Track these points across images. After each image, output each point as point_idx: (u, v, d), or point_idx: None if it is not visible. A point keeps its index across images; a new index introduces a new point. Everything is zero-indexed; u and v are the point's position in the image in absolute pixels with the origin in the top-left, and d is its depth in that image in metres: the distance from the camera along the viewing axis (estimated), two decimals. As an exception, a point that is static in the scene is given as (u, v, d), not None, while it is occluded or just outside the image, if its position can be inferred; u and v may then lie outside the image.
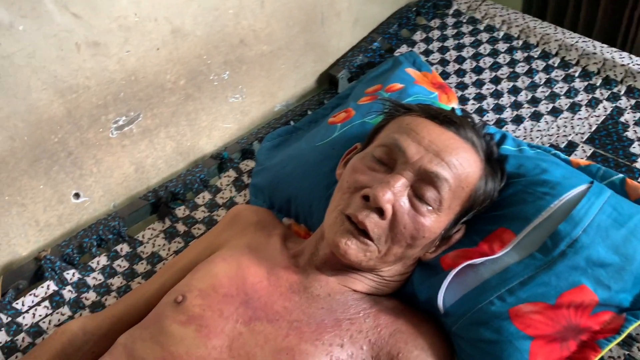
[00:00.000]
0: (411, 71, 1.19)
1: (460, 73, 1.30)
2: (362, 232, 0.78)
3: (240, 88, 1.24)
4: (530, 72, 1.24)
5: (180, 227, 1.11)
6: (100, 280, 1.03)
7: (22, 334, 0.95)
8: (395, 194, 0.77)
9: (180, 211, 1.13)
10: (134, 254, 1.07)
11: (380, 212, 0.76)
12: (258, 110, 1.31)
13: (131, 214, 1.11)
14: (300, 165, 1.05)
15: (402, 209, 0.77)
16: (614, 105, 1.12)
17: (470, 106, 1.22)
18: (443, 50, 1.35)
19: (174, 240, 1.09)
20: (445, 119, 0.84)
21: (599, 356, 0.76)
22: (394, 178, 0.77)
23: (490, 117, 1.19)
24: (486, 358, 0.76)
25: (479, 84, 1.26)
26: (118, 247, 1.07)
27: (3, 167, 0.96)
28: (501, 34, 1.33)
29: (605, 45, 1.19)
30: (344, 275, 0.83)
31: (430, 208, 0.78)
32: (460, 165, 0.79)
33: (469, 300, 0.80)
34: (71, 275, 1.02)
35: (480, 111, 1.21)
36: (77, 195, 1.09)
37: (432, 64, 1.34)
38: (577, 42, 1.22)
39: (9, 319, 0.96)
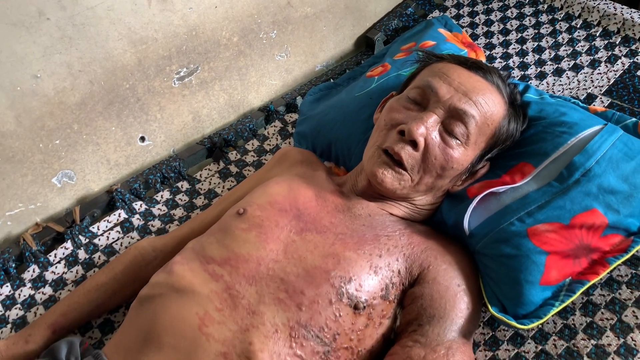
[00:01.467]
0: (443, 31, 1.27)
1: (489, 35, 1.36)
2: (397, 163, 0.87)
3: (285, 47, 1.33)
4: (554, 33, 1.30)
5: (233, 169, 1.21)
6: (164, 211, 1.14)
7: (98, 253, 1.07)
8: (427, 128, 0.85)
9: (233, 155, 1.23)
10: (193, 190, 1.18)
11: (414, 145, 0.85)
12: (300, 69, 1.40)
13: (189, 157, 1.22)
14: (340, 113, 1.14)
15: (433, 142, 0.86)
16: (631, 60, 1.18)
17: (497, 64, 1.30)
18: (473, 14, 1.42)
19: (227, 180, 1.19)
20: (473, 64, 0.92)
21: (608, 271, 0.83)
22: (426, 114, 0.86)
23: (516, 73, 1.26)
24: (507, 271, 0.84)
25: (505, 44, 1.33)
26: (179, 184, 1.19)
27: (82, 108, 1.07)
28: (528, -1, 1.39)
29: (625, 7, 1.25)
30: (382, 201, 0.92)
31: (458, 142, 0.86)
32: (486, 104, 0.87)
33: (491, 222, 0.88)
34: (139, 206, 1.14)
35: (507, 68, 1.28)
36: (142, 139, 1.21)
37: (462, 27, 1.41)
38: (598, 4, 1.27)
39: (87, 240, 1.08)
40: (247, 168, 1.21)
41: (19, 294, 1.02)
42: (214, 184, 1.19)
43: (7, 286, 1.03)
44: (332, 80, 1.34)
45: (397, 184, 0.87)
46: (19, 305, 1.01)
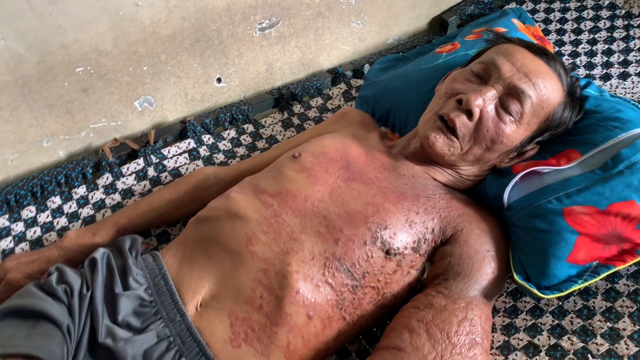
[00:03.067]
0: (516, 21, 1.28)
1: (561, 32, 1.36)
2: (450, 130, 0.91)
3: (362, 15, 1.38)
4: (627, 38, 1.29)
5: (295, 120, 1.27)
6: (228, 147, 1.22)
7: (165, 173, 1.16)
8: (485, 100, 0.88)
9: (297, 108, 1.30)
10: (257, 133, 1.25)
11: (469, 114, 0.88)
12: (373, 39, 1.44)
13: (258, 103, 1.30)
14: (404, 82, 1.17)
15: (488, 114, 0.89)
16: (700, 74, 1.16)
17: (564, 60, 1.30)
18: (548, 10, 1.42)
19: (288, 129, 1.26)
20: (539, 49, 0.94)
21: (635, 261, 0.85)
22: (486, 88, 0.89)
23: (581, 72, 1.26)
24: (537, 243, 0.87)
25: (576, 43, 1.33)
26: (245, 126, 1.26)
27: (172, 41, 1.15)
28: (606, 2, 1.38)
29: None
30: (428, 166, 0.96)
31: (512, 118, 0.89)
32: (545, 87, 0.89)
33: (530, 198, 0.91)
34: (207, 139, 1.22)
35: (574, 68, 1.28)
36: (219, 80, 1.29)
37: (535, 21, 1.41)
38: (677, 16, 1.26)
39: (157, 160, 1.17)
40: (308, 122, 1.27)
41: (92, 196, 1.12)
42: (276, 131, 1.25)
43: (82, 187, 1.14)
44: (401, 54, 1.38)
45: (447, 150, 0.91)
46: (90, 206, 1.11)
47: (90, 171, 1.16)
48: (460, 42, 1.22)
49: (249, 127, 1.26)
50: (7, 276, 0.91)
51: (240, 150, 1.21)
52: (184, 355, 0.76)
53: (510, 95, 0.89)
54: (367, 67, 1.37)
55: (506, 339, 0.87)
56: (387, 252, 0.84)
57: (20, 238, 1.07)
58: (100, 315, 0.78)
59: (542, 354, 0.84)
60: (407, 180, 0.93)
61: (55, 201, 1.12)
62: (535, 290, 0.85)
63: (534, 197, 0.90)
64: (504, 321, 0.90)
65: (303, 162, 0.93)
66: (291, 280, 0.80)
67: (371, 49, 1.45)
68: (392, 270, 0.85)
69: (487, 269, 0.86)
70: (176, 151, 1.19)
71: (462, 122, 0.89)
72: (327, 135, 1.02)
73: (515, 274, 0.87)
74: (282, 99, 1.30)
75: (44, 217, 1.09)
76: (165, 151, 1.19)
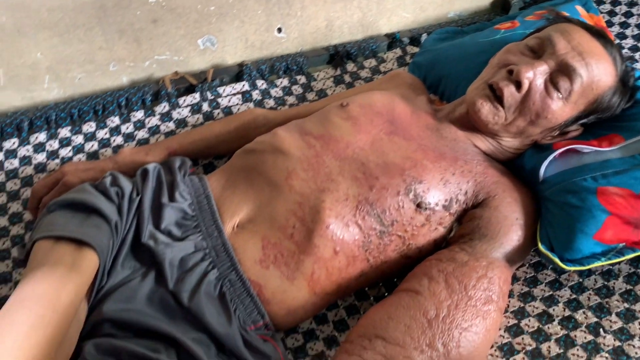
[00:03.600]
0: (580, 8, 1.26)
1: (624, 25, 1.34)
2: (497, 99, 0.92)
3: (427, -15, 1.39)
4: (692, 39, 1.26)
5: (347, 78, 1.30)
6: (279, 95, 1.26)
7: (218, 110, 1.21)
8: (535, 74, 0.89)
9: (350, 66, 1.32)
10: (308, 85, 1.29)
11: (518, 85, 0.89)
12: (434, 10, 1.44)
13: (313, 57, 1.33)
14: (459, 52, 1.18)
15: (536, 88, 0.90)
16: None
17: (624, 53, 1.28)
18: (615, 3, 1.39)
19: (339, 85, 1.29)
20: (597, 32, 0.94)
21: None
22: (538, 62, 0.90)
23: (639, 66, 1.24)
24: (566, 217, 0.88)
25: (637, 37, 1.31)
26: (297, 77, 1.30)
27: (240, -15, 1.20)
28: (677, 1, 1.34)
29: None
30: (471, 132, 0.98)
31: (560, 95, 0.90)
32: (597, 69, 0.89)
33: (566, 174, 0.91)
34: (261, 84, 1.26)
35: (631, 59, 1.26)
36: (279, 30, 1.32)
37: (600, 12, 1.39)
38: None
39: (212, 97, 1.23)
40: (359, 81, 1.30)
41: (148, 121, 1.19)
42: (327, 86, 1.29)
43: (140, 112, 1.20)
44: (460, 28, 1.38)
45: (491, 118, 0.92)
46: (145, 130, 1.17)
47: (150, 99, 1.22)
48: (520, 21, 1.22)
49: (302, 79, 1.30)
50: (64, 178, 0.98)
51: (290, 99, 1.25)
52: (216, 267, 0.82)
53: (562, 72, 0.89)
54: (424, 37, 1.38)
55: (522, 305, 0.89)
56: (418, 205, 0.87)
57: (78, 149, 1.14)
58: (146, 219, 0.84)
59: (555, 322, 0.86)
60: (448, 142, 0.95)
61: (114, 121, 1.19)
62: (557, 260, 0.86)
63: (570, 174, 0.91)
64: (522, 289, 0.92)
65: (350, 111, 0.96)
66: (323, 216, 0.84)
67: (431, 20, 1.46)
68: (421, 223, 0.88)
69: (513, 236, 0.88)
70: (230, 91, 1.24)
71: (510, 92, 0.90)
72: (377, 91, 1.05)
73: (540, 244, 0.89)
74: (337, 56, 1.33)
75: (102, 134, 1.16)
76: (220, 90, 1.24)
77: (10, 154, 1.13)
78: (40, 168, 1.11)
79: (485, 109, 0.92)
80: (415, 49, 1.36)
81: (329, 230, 0.84)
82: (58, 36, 1.16)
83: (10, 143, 1.15)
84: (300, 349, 0.87)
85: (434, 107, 1.05)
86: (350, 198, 0.86)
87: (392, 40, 1.37)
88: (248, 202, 0.88)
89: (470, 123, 0.97)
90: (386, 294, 0.93)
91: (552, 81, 0.89)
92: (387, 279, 0.94)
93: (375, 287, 0.95)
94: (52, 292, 0.64)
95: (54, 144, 1.15)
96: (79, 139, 1.16)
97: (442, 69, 1.18)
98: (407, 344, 0.74)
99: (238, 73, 1.28)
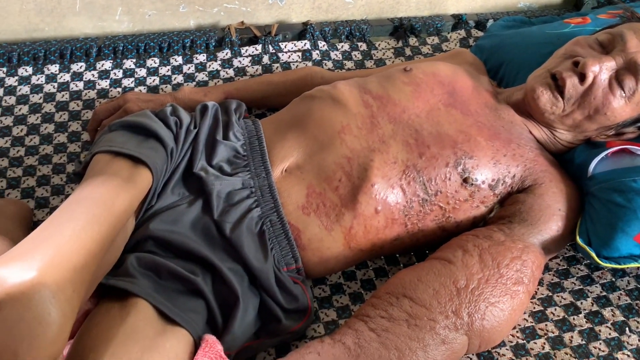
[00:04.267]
0: (656, 14, 1.23)
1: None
2: (558, 89, 0.90)
3: (502, -28, 1.37)
4: None
5: (407, 51, 1.30)
6: (339, 58, 1.27)
7: (277, 64, 1.23)
8: (601, 68, 0.87)
9: (412, 40, 1.32)
10: (368, 53, 1.29)
11: (582, 78, 0.88)
12: (504, -2, 1.43)
13: (377, 26, 1.33)
14: (525, 40, 1.17)
15: (599, 83, 0.88)
16: None
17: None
18: (694, 15, 1.35)
19: (399, 57, 1.29)
20: (674, 36, 0.92)
21: None
22: (606, 57, 0.88)
23: None
24: (609, 215, 0.86)
25: None
26: (359, 44, 1.30)
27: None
28: None
29: None
30: (527, 118, 0.96)
31: (623, 94, 0.88)
32: None
33: (615, 173, 0.90)
34: (322, 45, 1.27)
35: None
36: (347, -5, 1.33)
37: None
38: None
39: (273, 50, 1.25)
40: (419, 55, 1.29)
41: (209, 65, 1.21)
42: (387, 56, 1.29)
43: (203, 55, 1.23)
44: (529, 18, 1.36)
45: (549, 107, 0.91)
46: (206, 73, 1.20)
47: (213, 44, 1.25)
48: (591, 17, 1.19)
49: (362, 46, 1.30)
50: (126, 105, 1.01)
51: (349, 64, 1.26)
52: (260, 206, 0.84)
53: (629, 70, 0.87)
54: (490, 23, 1.37)
55: (550, 294, 0.90)
56: (465, 180, 0.87)
57: (140, 81, 1.18)
58: (200, 152, 0.87)
59: (581, 315, 0.86)
60: (504, 124, 0.95)
61: (177, 60, 1.22)
62: (594, 255, 0.86)
63: (620, 173, 0.90)
64: (552, 279, 0.92)
65: (413, 76, 0.96)
66: (370, 174, 0.85)
67: (500, 7, 1.44)
68: (464, 198, 0.89)
69: (552, 225, 0.88)
70: (292, 48, 1.25)
71: (572, 84, 0.89)
72: (441, 62, 1.05)
73: (578, 237, 0.88)
74: (401, 28, 1.33)
75: (164, 70, 1.20)
76: (282, 45, 1.26)
77: (77, 76, 1.18)
78: (103, 94, 1.16)
79: (545, 97, 0.91)
80: (480, 33, 1.34)
81: (374, 189, 0.85)
82: (136, -30, 1.19)
83: (78, 66, 1.19)
84: (326, 300, 0.90)
85: (495, 88, 1.04)
86: (398, 162, 0.87)
87: (458, 21, 1.36)
88: (299, 148, 0.89)
89: (527, 110, 0.96)
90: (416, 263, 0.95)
91: (617, 78, 0.88)
92: (419, 249, 0.95)
93: (407, 255, 0.96)
94: (109, 197, 0.67)
95: (118, 73, 1.19)
96: (142, 72, 1.19)
97: (504, 55, 1.17)
98: (433, 307, 0.76)
99: (301, 31, 1.29)
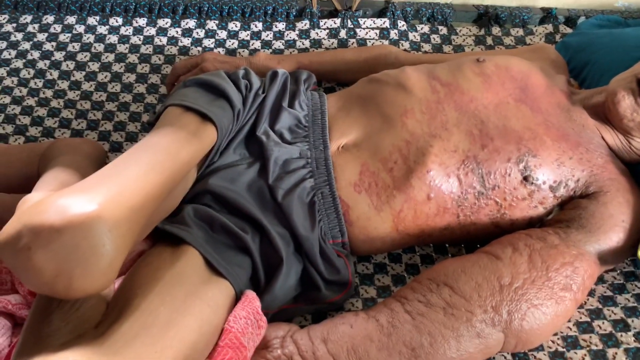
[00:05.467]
0: None
1: None
2: (642, 96, 0.86)
3: (602, -33, 1.29)
4: None
5: (489, 40, 1.26)
6: (417, 39, 1.25)
7: (354, 40, 1.23)
8: (696, 79, 0.82)
9: (495, 30, 1.28)
10: (447, 38, 1.26)
11: (670, 88, 0.83)
12: (602, -5, 1.35)
13: (461, 12, 1.30)
14: (615, 41, 1.10)
15: (691, 95, 0.82)
16: None
17: None
18: None
19: (478, 46, 1.25)
20: None
21: None
22: None
23: None
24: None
25: None
26: (440, 27, 1.28)
27: None
28: None
29: None
30: (602, 123, 0.92)
31: None
32: None
33: (694, 192, 0.85)
34: (401, 24, 1.26)
35: None
36: (434, -23, 1.30)
37: None
38: None
39: (352, 25, 1.24)
40: (500, 46, 1.25)
41: (287, 34, 1.23)
42: (466, 43, 1.26)
43: (282, 24, 1.25)
44: (624, 19, 1.28)
45: (629, 113, 0.86)
46: (283, 41, 1.22)
47: (294, 13, 1.27)
48: (696, 24, 1.11)
49: (443, 30, 1.27)
50: (203, 64, 1.05)
51: (426, 47, 1.24)
52: (314, 177, 0.86)
53: None
54: (581, 20, 1.30)
55: (600, 307, 0.86)
56: (525, 178, 0.85)
57: (220, 43, 1.21)
58: (265, 116, 0.89)
59: (630, 333, 0.82)
60: (575, 126, 0.91)
61: (258, 26, 1.25)
62: (653, 273, 0.82)
63: (699, 193, 0.84)
64: (605, 292, 0.88)
65: (484, 67, 0.94)
66: (427, 160, 0.84)
67: (595, 4, 1.36)
68: (522, 197, 0.86)
69: (613, 236, 0.84)
70: (370, 24, 1.25)
71: (658, 93, 0.84)
72: (516, 56, 1.01)
73: (639, 252, 0.84)
74: (486, 16, 1.29)
75: (243, 35, 1.23)
76: (361, 21, 1.25)
77: (162, 31, 1.23)
78: (184, 51, 1.20)
79: (626, 102, 0.86)
80: (568, 30, 1.28)
81: (429, 175, 0.84)
82: None
83: (164, 22, 1.24)
84: (368, 277, 0.91)
85: (571, 89, 1.00)
86: (459, 151, 0.85)
87: (547, 14, 1.30)
88: (359, 127, 0.90)
89: (604, 113, 0.91)
90: (464, 255, 0.94)
91: None
92: (470, 242, 0.93)
93: (457, 246, 0.95)
94: (174, 147, 0.71)
95: (200, 33, 1.23)
96: (222, 34, 1.23)
97: (591, 55, 1.11)
98: (473, 299, 0.75)
99: (382, 9, 1.28)
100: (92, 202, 0.56)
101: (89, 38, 1.21)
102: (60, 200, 0.56)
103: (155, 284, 0.67)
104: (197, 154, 0.76)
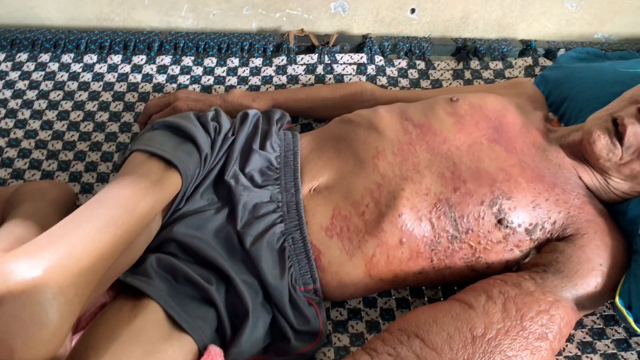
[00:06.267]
0: None
1: None
2: (617, 135, 0.84)
3: (579, 1, 1.29)
4: None
5: (467, 74, 1.25)
6: (394, 75, 1.24)
7: (331, 76, 1.22)
8: (671, 119, 0.81)
9: (474, 63, 1.27)
10: (425, 72, 1.25)
11: (646, 127, 0.82)
12: (581, 27, 1.34)
13: (439, 46, 1.29)
14: (593, 76, 1.10)
15: (666, 135, 0.81)
16: None
17: None
18: None
19: (457, 80, 1.24)
20: None
21: None
22: (678, 108, 0.81)
23: None
24: (657, 279, 0.81)
25: None
26: (417, 62, 1.27)
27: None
28: None
29: None
30: (579, 162, 0.91)
31: (693, 149, 0.81)
32: None
33: (671, 235, 0.84)
34: (379, 60, 1.25)
35: None
36: (412, 11, 1.30)
37: None
38: None
39: (329, 61, 1.24)
40: (479, 80, 1.24)
41: (264, 70, 1.22)
42: (444, 77, 1.25)
43: (259, 59, 1.24)
44: (603, 52, 1.28)
45: (605, 153, 0.85)
46: (259, 77, 1.21)
47: (271, 49, 1.26)
48: (675, 59, 1.11)
49: (421, 64, 1.27)
50: (175, 102, 1.04)
51: (404, 82, 1.23)
52: (284, 222, 0.84)
53: (699, 124, 0.80)
54: (561, 52, 1.29)
55: (579, 353, 0.84)
56: (500, 222, 0.83)
57: (195, 79, 1.20)
58: (234, 159, 0.88)
59: (609, 382, 0.80)
60: (551, 166, 0.89)
61: (234, 62, 1.24)
62: (631, 320, 0.80)
63: (675, 236, 0.83)
64: (584, 337, 0.86)
65: (457, 107, 0.93)
66: (398, 203, 0.83)
67: (574, 36, 1.36)
68: (497, 240, 0.84)
69: (590, 281, 0.82)
70: (347, 60, 1.24)
71: (633, 132, 0.82)
72: (491, 94, 1.00)
73: (617, 298, 0.82)
74: (464, 50, 1.28)
75: (220, 71, 1.22)
76: (338, 56, 1.24)
77: (136, 68, 1.22)
78: (158, 88, 1.19)
79: (602, 143, 0.85)
80: (548, 62, 1.27)
81: (401, 219, 0.82)
82: (207, -29, 1.22)
83: (139, 59, 1.23)
84: (342, 324, 0.88)
85: (547, 127, 0.98)
86: (430, 194, 0.84)
87: (527, 47, 1.30)
88: (331, 169, 0.89)
89: (581, 153, 0.90)
90: (442, 299, 0.91)
91: (685, 132, 0.81)
92: (447, 285, 0.91)
93: (433, 289, 0.93)
94: (132, 200, 0.69)
95: (175, 69, 1.22)
96: (198, 71, 1.22)
97: (569, 90, 1.11)
98: (444, 352, 0.73)
99: (360, 44, 1.28)
100: (36, 267, 0.54)
101: (63, 76, 1.20)
102: (3, 266, 0.53)
103: (111, 344, 0.65)
104: (159, 204, 0.74)
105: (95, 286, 0.60)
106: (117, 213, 0.66)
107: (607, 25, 1.35)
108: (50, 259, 0.55)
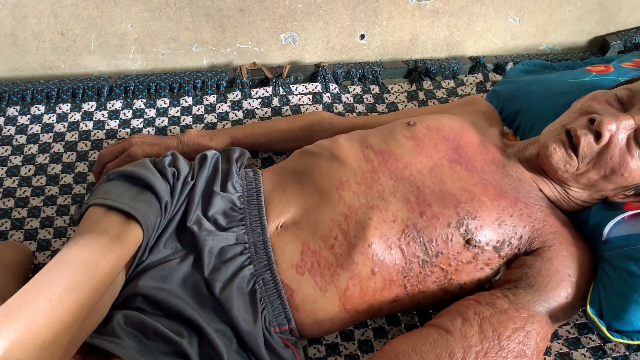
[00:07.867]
0: (685, 63, 1.18)
1: None
2: (572, 147, 0.87)
3: (522, 13, 1.33)
4: None
5: (421, 95, 1.28)
6: (350, 101, 1.26)
7: (287, 107, 1.22)
8: (619, 127, 0.83)
9: (427, 84, 1.30)
10: (380, 96, 1.27)
11: (598, 136, 0.84)
12: (525, 40, 1.39)
13: (391, 69, 1.31)
14: (543, 89, 1.13)
15: (616, 142, 0.84)
16: None
17: None
18: None
19: (411, 101, 1.27)
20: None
21: None
22: (625, 116, 0.84)
23: None
24: (623, 284, 0.82)
25: None
26: (371, 87, 1.29)
27: (331, -12, 1.20)
28: None
29: None
30: (538, 175, 0.93)
31: (641, 154, 0.84)
32: None
33: (632, 239, 0.86)
34: (333, 87, 1.26)
35: None
36: (362, 37, 1.32)
37: None
38: None
39: (284, 92, 1.24)
40: (433, 100, 1.27)
41: (219, 107, 1.22)
42: (399, 100, 1.27)
43: (213, 96, 1.23)
44: (549, 62, 1.33)
45: (562, 165, 0.88)
46: (215, 114, 1.20)
47: (225, 85, 1.25)
48: (615, 66, 1.15)
49: (375, 89, 1.28)
50: (130, 149, 1.02)
51: (360, 108, 1.24)
52: (253, 264, 0.83)
53: (649, 131, 0.83)
54: (509, 66, 1.34)
55: (557, 365, 0.85)
56: (468, 242, 0.84)
57: (149, 122, 1.19)
58: (195, 204, 0.86)
59: (590, 392, 0.81)
60: (512, 182, 0.91)
61: (188, 101, 1.22)
62: (604, 329, 0.81)
63: (636, 239, 0.85)
64: (561, 349, 0.87)
65: (415, 131, 0.94)
66: (367, 233, 0.83)
67: (520, 49, 1.41)
68: (467, 260, 0.85)
69: (561, 292, 0.84)
70: (302, 90, 1.25)
71: (587, 142, 0.85)
72: (447, 114, 1.02)
73: (588, 306, 0.84)
74: (416, 71, 1.31)
75: (173, 112, 1.21)
76: (293, 87, 1.25)
77: (87, 116, 1.19)
78: (111, 134, 1.17)
79: (557, 155, 0.87)
80: (498, 77, 1.31)
81: (371, 249, 0.83)
82: (149, 11, 1.21)
83: (89, 106, 1.21)
84: (321, 361, 0.87)
85: (504, 142, 1.01)
86: (398, 221, 0.84)
87: (476, 64, 1.34)
88: (296, 204, 0.88)
89: (539, 166, 0.93)
90: (418, 324, 0.91)
91: (636, 138, 0.84)
92: (422, 309, 0.92)
93: (409, 315, 0.93)
94: (93, 260, 0.67)
95: (127, 114, 1.20)
96: (151, 113, 1.20)
97: (521, 103, 1.14)
98: (426, 381, 0.73)
99: (313, 73, 1.29)
100: (-6, 347, 0.51)
101: (10, 130, 1.16)
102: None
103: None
104: (121, 261, 0.72)
105: (60, 356, 0.58)
106: (78, 276, 0.63)
107: (550, 37, 1.40)
108: (10, 337, 0.52)
